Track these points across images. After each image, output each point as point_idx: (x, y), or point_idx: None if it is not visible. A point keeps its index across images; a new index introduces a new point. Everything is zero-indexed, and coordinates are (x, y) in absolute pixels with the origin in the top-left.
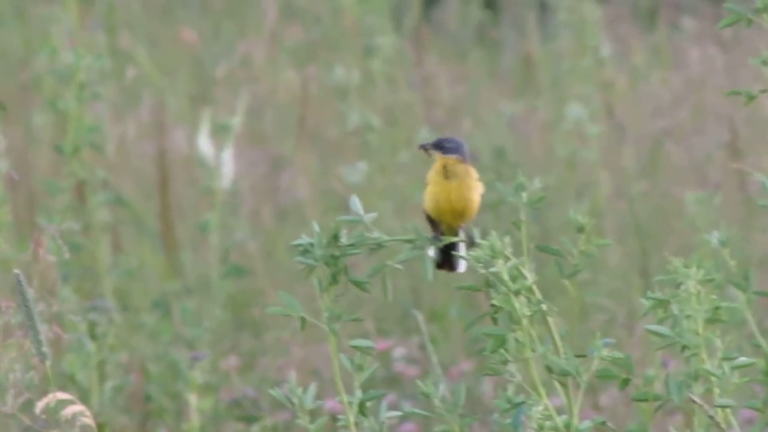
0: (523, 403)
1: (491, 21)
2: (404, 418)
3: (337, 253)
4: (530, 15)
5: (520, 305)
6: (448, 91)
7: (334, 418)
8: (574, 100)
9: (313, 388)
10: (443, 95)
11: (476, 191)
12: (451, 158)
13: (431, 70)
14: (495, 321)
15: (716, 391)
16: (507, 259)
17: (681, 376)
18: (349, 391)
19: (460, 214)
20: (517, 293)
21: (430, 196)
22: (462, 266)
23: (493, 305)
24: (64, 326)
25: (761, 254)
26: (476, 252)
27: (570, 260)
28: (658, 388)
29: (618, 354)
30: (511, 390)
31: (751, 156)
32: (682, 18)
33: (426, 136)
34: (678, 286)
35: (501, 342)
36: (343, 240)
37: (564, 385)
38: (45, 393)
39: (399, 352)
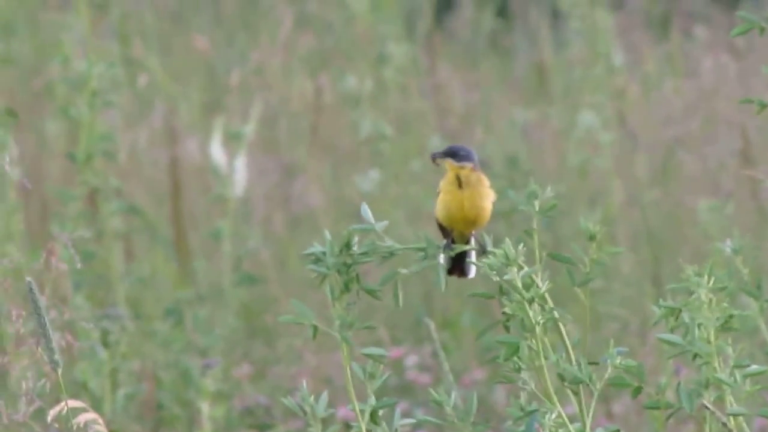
0: (536, 410)
1: (504, 29)
2: (417, 426)
3: (349, 261)
4: (543, 23)
5: (533, 313)
6: (460, 99)
7: (346, 427)
8: (586, 108)
9: (325, 396)
10: (456, 103)
11: (488, 199)
12: (465, 167)
13: (444, 78)
14: (507, 329)
15: (728, 399)
16: (520, 267)
17: (693, 385)
18: (362, 399)
19: (472, 222)
20: (530, 301)
21: (443, 204)
22: (473, 272)
23: (504, 313)
24: (77, 334)
25: None
26: (490, 259)
27: (582, 268)
28: (670, 396)
29: (631, 362)
30: (523, 398)
31: (763, 164)
32: (694, 26)
33: (438, 144)
34: (690, 294)
35: (514, 350)
36: (355, 248)
37: (576, 393)
38: (57, 401)
39: (411, 360)
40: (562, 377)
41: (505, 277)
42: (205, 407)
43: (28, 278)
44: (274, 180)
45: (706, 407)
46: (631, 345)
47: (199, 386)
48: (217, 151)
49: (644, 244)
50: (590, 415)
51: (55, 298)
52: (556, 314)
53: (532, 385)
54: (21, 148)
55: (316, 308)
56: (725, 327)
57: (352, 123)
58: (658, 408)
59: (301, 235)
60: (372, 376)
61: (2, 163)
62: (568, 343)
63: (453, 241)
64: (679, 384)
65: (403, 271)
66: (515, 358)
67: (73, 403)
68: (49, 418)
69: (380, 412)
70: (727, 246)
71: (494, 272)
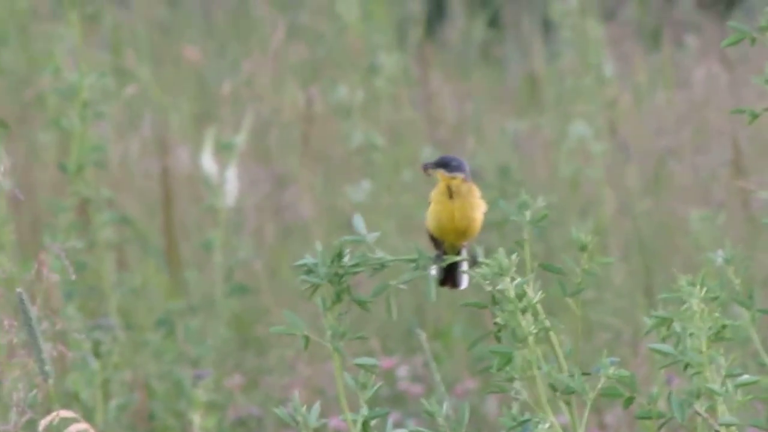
0: (528, 420)
1: (495, 39)
2: None
3: (340, 272)
4: (534, 33)
5: (526, 323)
6: (452, 109)
7: None
8: (578, 119)
9: (317, 407)
10: (447, 113)
11: (479, 210)
12: (457, 177)
13: (435, 88)
14: (499, 339)
15: (720, 408)
16: (513, 277)
17: (684, 394)
18: (354, 409)
19: (463, 232)
20: (524, 311)
21: (434, 215)
22: (464, 283)
23: (496, 323)
24: (69, 344)
25: (765, 273)
26: (483, 269)
27: (573, 279)
28: (662, 406)
29: (624, 372)
30: (516, 408)
31: (754, 174)
32: (686, 36)
33: (430, 154)
34: (682, 304)
35: (507, 360)
36: (347, 259)
37: (568, 403)
38: (49, 411)
39: (403, 370)
40: (553, 387)
41: (499, 287)
42: (196, 418)
43: (19, 289)
44: (265, 190)
45: (699, 414)
46: (623, 355)
47: (191, 397)
48: (208, 162)
49: (636, 254)
50: (583, 425)
51: (47, 308)
52: (548, 324)
53: (525, 395)
54: (12, 159)
55: (307, 319)
56: (717, 337)
57: (344, 133)
58: (649, 418)
59: (292, 246)
60: (364, 387)
61: None
62: (560, 353)
63: (444, 252)
64: (670, 394)
65: (394, 282)
66: (508, 368)
67: (65, 413)
68: (40, 429)
69: (372, 423)
70: (719, 256)
71: (487, 282)
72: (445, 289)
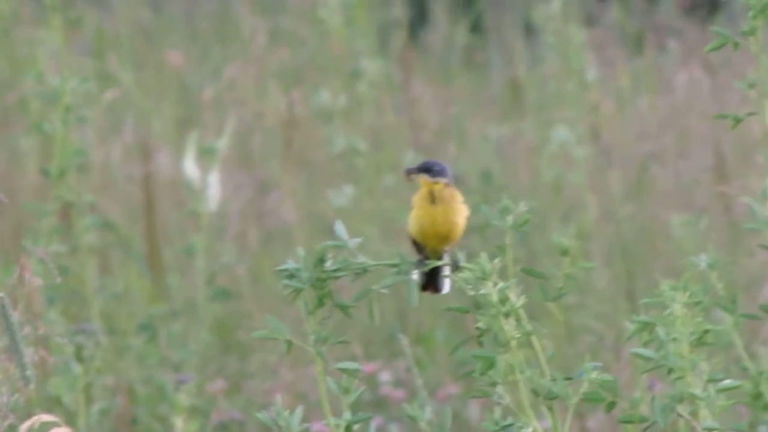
0: (510, 425)
1: (478, 44)
2: None
3: (322, 276)
4: (517, 38)
5: (509, 327)
6: (434, 114)
7: None
8: (560, 124)
9: (299, 411)
10: (430, 118)
11: (461, 215)
12: (439, 182)
13: (418, 93)
14: (481, 344)
15: (702, 413)
16: (496, 282)
17: (666, 399)
18: (336, 414)
19: (445, 237)
20: (506, 315)
21: (416, 220)
22: (446, 288)
23: (478, 328)
24: (51, 349)
25: (747, 277)
26: (465, 274)
27: (555, 283)
28: (644, 410)
29: (606, 377)
30: (498, 412)
31: (737, 179)
32: (668, 41)
33: (412, 159)
34: (664, 308)
35: (490, 364)
36: (329, 264)
37: (550, 408)
38: (30, 416)
39: (385, 374)
40: (535, 392)
41: (482, 292)
42: (179, 422)
43: (1, 293)
44: (248, 195)
45: (681, 416)
46: (606, 359)
47: (174, 401)
48: (190, 166)
49: (618, 259)
50: (565, 429)
51: (29, 313)
52: (530, 328)
53: (508, 400)
54: None
55: (290, 324)
56: (699, 342)
57: (326, 138)
58: (632, 422)
59: (275, 251)
60: (346, 391)
61: None
62: (542, 357)
63: (426, 257)
64: (653, 398)
65: (376, 287)
66: (490, 373)
67: (46, 417)
68: None
69: (355, 427)
70: (702, 261)
71: (470, 287)
72: (428, 294)
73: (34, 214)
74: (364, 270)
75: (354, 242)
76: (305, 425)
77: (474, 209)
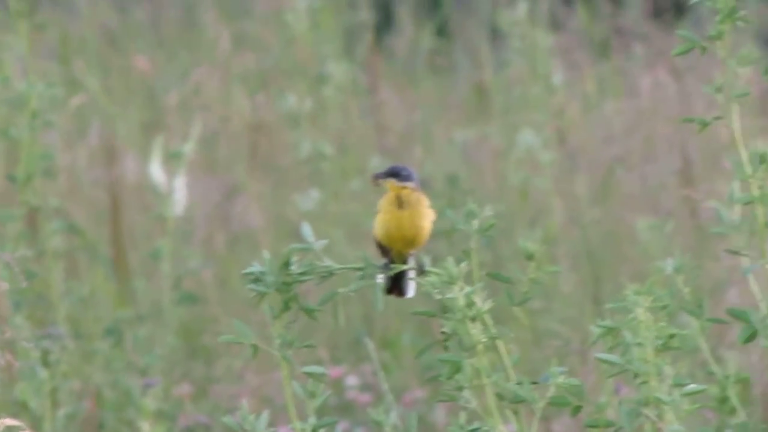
0: (476, 429)
1: (443, 48)
2: None
3: (288, 280)
4: (483, 42)
5: (475, 331)
6: (400, 118)
7: None
8: (526, 128)
9: (265, 416)
10: (396, 122)
11: (428, 219)
12: (407, 187)
13: (384, 97)
14: (446, 348)
15: (668, 417)
16: (462, 286)
17: (632, 404)
18: (302, 418)
19: (411, 241)
20: (473, 319)
21: (382, 224)
22: (411, 291)
23: (443, 332)
24: (17, 353)
25: (713, 282)
26: (432, 278)
27: (520, 288)
28: (610, 415)
29: (573, 381)
30: (463, 417)
31: (703, 183)
32: (634, 45)
33: (378, 163)
34: (629, 313)
35: (457, 368)
36: (295, 267)
37: (516, 412)
38: None
39: (352, 379)
40: (500, 396)
41: (448, 296)
42: (146, 426)
43: None
44: (214, 199)
45: (648, 418)
46: (572, 364)
47: (140, 406)
48: (156, 171)
49: (585, 263)
50: None
51: None
52: (495, 333)
53: (475, 404)
54: None
55: (256, 328)
56: (665, 346)
57: (293, 142)
58: (598, 427)
59: (241, 255)
60: (312, 395)
61: None
62: (507, 362)
63: (391, 261)
64: (619, 403)
65: (341, 290)
66: (457, 377)
67: (11, 422)
68: None
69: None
70: (668, 265)
71: (436, 291)
72: (394, 298)
73: (0, 219)
74: (330, 273)
75: (320, 245)
76: (271, 429)
77: (440, 213)
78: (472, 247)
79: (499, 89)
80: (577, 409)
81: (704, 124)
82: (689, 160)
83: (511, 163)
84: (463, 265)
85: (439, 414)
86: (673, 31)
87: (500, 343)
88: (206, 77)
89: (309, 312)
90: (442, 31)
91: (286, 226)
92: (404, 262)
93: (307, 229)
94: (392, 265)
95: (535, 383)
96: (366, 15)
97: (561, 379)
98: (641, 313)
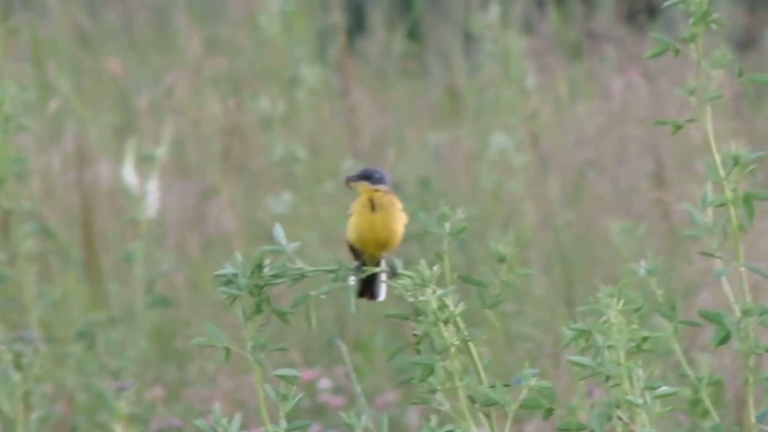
0: None
1: (416, 51)
2: None
3: (260, 283)
4: (455, 45)
5: (447, 334)
6: (372, 121)
7: None
8: (499, 131)
9: (238, 419)
10: (368, 125)
11: (400, 222)
12: (380, 189)
13: (356, 100)
14: (418, 351)
15: (640, 420)
16: (434, 289)
17: (604, 406)
18: (275, 421)
19: (383, 244)
20: (445, 322)
21: (354, 226)
22: (382, 294)
23: (415, 335)
24: None
25: (685, 284)
26: (405, 281)
27: (492, 290)
28: (582, 417)
29: (545, 383)
30: (435, 420)
31: (675, 186)
32: (606, 48)
33: (351, 166)
34: (601, 316)
35: (429, 371)
36: (267, 270)
37: (488, 415)
38: None
39: (324, 382)
40: (472, 399)
41: (420, 299)
42: (119, 429)
43: None
44: (187, 203)
45: (620, 419)
46: (544, 366)
47: (113, 409)
48: (129, 174)
49: (557, 265)
50: None
51: None
52: (467, 335)
53: (447, 406)
54: None
55: (228, 331)
56: (637, 349)
57: (265, 145)
58: (569, 429)
59: (214, 258)
60: (285, 398)
61: None
62: (479, 364)
63: (363, 264)
64: (592, 405)
65: (313, 293)
66: (429, 380)
67: None
68: None
69: None
70: (641, 267)
71: (409, 293)
72: (367, 301)
73: None
74: (302, 276)
75: (292, 247)
76: None
77: (412, 216)
78: (444, 250)
79: (472, 92)
80: (549, 412)
81: (677, 127)
82: (661, 162)
83: (484, 165)
84: (436, 267)
85: (412, 417)
86: (646, 33)
87: (472, 346)
88: (178, 80)
89: (281, 315)
90: (414, 34)
91: (259, 229)
92: (376, 264)
93: (279, 232)
94: (364, 268)
95: (507, 386)
96: (338, 18)
97: (533, 382)
98: (614, 316)
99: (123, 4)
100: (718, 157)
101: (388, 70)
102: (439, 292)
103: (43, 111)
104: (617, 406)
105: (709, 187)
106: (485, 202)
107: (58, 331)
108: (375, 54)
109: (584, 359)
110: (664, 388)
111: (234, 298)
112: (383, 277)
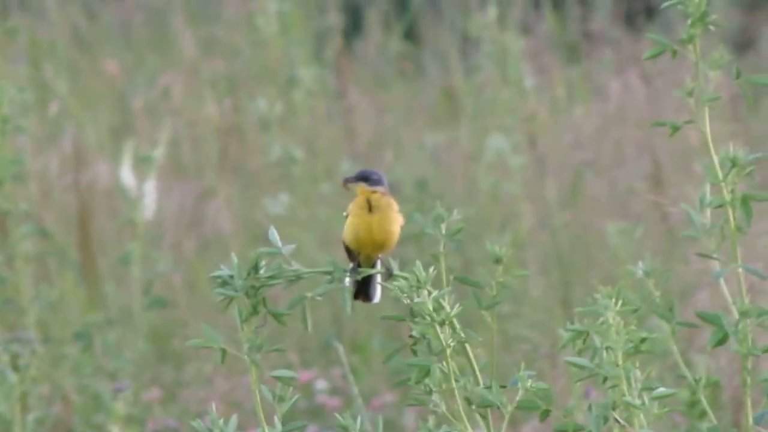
0: None
1: (413, 52)
2: None
3: (256, 284)
4: (453, 46)
5: (444, 336)
6: (370, 123)
7: None
8: (496, 132)
9: (234, 420)
10: (365, 126)
11: (397, 223)
12: (377, 191)
13: (353, 101)
14: (415, 352)
15: (637, 421)
16: (430, 291)
17: (601, 407)
18: (271, 422)
19: (380, 245)
20: (441, 324)
21: (351, 227)
22: (378, 296)
23: (411, 336)
24: None
25: (682, 285)
26: (401, 282)
27: (488, 292)
28: (579, 418)
29: (542, 384)
30: (432, 421)
31: (672, 187)
32: (603, 50)
33: (348, 167)
34: (599, 317)
35: (426, 372)
36: (263, 271)
37: (484, 416)
38: None
39: (321, 383)
40: (468, 401)
41: (417, 300)
42: (115, 431)
43: None
44: (184, 204)
45: (617, 421)
46: (541, 368)
47: (110, 410)
48: (126, 175)
49: (554, 267)
50: None
51: None
52: (464, 336)
53: (444, 408)
54: None
55: (225, 332)
56: (635, 350)
57: (262, 146)
58: (566, 431)
59: (210, 259)
60: (281, 400)
61: None
62: (475, 366)
63: (359, 265)
64: (589, 406)
65: (310, 294)
66: (426, 381)
67: None
68: None
69: None
70: (639, 268)
71: (405, 295)
72: (358, 301)
73: None
74: (298, 277)
75: (288, 249)
76: None
77: (409, 218)
78: (440, 252)
79: (469, 93)
80: (545, 413)
81: (675, 128)
82: (659, 164)
83: (481, 167)
84: (432, 269)
85: (409, 418)
86: (643, 35)
87: (469, 347)
88: (175, 81)
89: (277, 316)
90: (411, 35)
91: (255, 230)
92: (372, 266)
93: (273, 233)
94: (360, 269)
95: (503, 387)
96: (335, 19)
97: (530, 383)
98: (611, 317)
99: (120, 5)
100: (716, 159)
101: (385, 71)
102: (435, 293)
103: (40, 112)
104: (614, 408)
105: (707, 188)
106: (482, 203)
107: (55, 332)
108: (372, 55)
109: (581, 360)
110: (661, 390)
111: (230, 300)
112: (379, 278)
